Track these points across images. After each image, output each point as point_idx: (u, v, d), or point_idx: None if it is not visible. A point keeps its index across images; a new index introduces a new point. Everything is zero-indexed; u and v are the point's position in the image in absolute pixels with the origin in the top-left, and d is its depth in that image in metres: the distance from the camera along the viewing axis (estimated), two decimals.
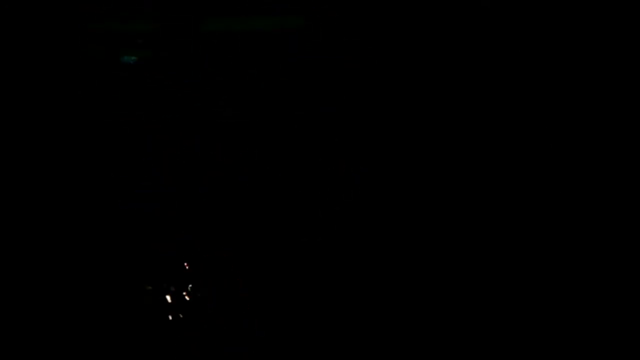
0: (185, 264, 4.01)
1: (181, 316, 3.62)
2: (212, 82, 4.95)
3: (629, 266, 3.84)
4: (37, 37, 4.80)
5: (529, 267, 3.89)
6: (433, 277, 3.81)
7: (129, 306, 3.68)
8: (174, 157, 4.73)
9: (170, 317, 3.61)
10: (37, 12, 4.75)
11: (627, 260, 3.89)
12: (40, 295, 3.69)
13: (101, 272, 3.92)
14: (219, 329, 3.55)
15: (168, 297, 3.78)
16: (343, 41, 4.84)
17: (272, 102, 4.87)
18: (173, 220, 4.35)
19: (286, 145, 4.75)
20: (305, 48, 4.90)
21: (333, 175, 4.70)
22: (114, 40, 4.94)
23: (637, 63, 4.50)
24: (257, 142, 4.77)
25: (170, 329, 3.52)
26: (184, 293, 3.82)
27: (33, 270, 3.91)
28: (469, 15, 4.55)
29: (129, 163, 4.69)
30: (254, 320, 3.56)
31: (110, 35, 4.94)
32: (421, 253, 4.03)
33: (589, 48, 4.55)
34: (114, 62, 4.91)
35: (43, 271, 3.91)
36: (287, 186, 4.63)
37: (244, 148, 4.75)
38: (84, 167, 4.71)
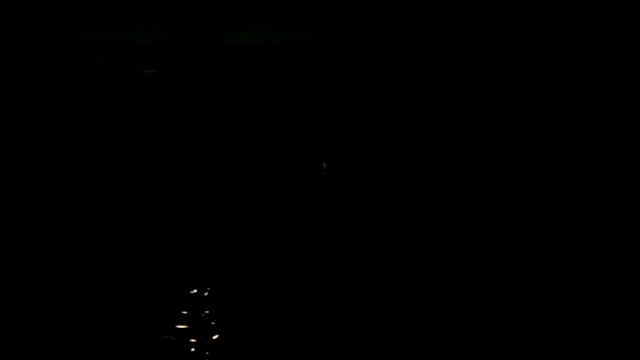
0: (186, 264, 4.01)
1: (181, 316, 3.62)
2: (212, 82, 4.94)
3: (628, 266, 3.84)
4: (39, 38, 4.81)
5: (528, 267, 3.89)
6: (432, 277, 3.81)
7: (128, 306, 3.68)
8: (174, 157, 4.73)
9: (170, 317, 3.60)
10: (40, 21, 4.76)
11: (627, 260, 3.89)
12: (40, 295, 3.69)
13: (101, 271, 3.92)
14: (219, 329, 3.55)
15: (168, 297, 3.78)
16: (343, 41, 4.84)
17: (272, 102, 4.87)
18: (173, 220, 4.35)
19: (286, 145, 4.75)
20: (305, 48, 4.89)
21: (333, 175, 4.69)
22: (117, 49, 4.95)
23: (637, 63, 4.50)
24: (257, 142, 4.77)
25: (170, 329, 3.52)
26: (184, 293, 3.82)
27: (33, 270, 3.91)
28: (469, 15, 4.55)
29: (129, 163, 4.69)
30: (254, 320, 3.56)
31: (113, 45, 4.94)
32: (420, 252, 4.03)
33: (588, 48, 4.55)
34: (114, 65, 4.91)
35: (43, 271, 3.91)
36: (287, 186, 4.63)
37: (244, 148, 4.75)
38: (84, 168, 4.71)
